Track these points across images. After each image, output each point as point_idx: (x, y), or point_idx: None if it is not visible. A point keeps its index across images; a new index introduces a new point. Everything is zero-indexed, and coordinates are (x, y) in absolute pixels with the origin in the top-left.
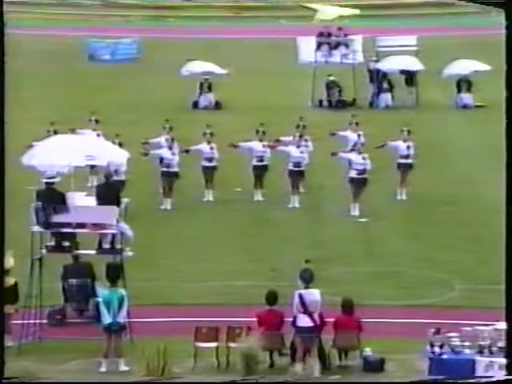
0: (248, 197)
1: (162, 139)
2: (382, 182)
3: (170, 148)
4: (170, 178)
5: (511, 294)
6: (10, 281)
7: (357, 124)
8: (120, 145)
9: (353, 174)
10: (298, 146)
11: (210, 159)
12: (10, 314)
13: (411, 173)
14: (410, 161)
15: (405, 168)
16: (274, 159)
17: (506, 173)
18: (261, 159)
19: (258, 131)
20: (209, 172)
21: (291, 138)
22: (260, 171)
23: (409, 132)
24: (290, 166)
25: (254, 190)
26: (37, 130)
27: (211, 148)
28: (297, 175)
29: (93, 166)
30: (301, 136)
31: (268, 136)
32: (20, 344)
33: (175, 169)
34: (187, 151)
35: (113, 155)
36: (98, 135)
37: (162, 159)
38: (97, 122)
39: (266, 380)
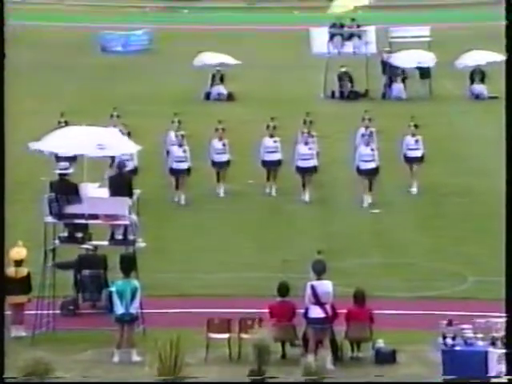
0: (260, 189)
1: (172, 135)
2: (394, 174)
3: (180, 145)
4: (180, 174)
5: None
6: (23, 271)
7: (370, 120)
8: (129, 134)
9: (362, 165)
10: (306, 143)
11: (222, 155)
12: (23, 304)
13: (422, 165)
14: (419, 154)
15: (414, 161)
16: (285, 153)
17: (506, 164)
18: (273, 154)
19: (268, 126)
20: (221, 167)
21: (299, 134)
22: (272, 166)
23: (416, 126)
24: (298, 163)
25: (266, 184)
26: (50, 121)
27: (223, 144)
28: (306, 171)
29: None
30: (308, 132)
31: (279, 129)
32: (33, 334)
33: (186, 165)
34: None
35: (124, 146)
36: (120, 131)
37: (170, 155)
38: (118, 117)
39: (276, 380)
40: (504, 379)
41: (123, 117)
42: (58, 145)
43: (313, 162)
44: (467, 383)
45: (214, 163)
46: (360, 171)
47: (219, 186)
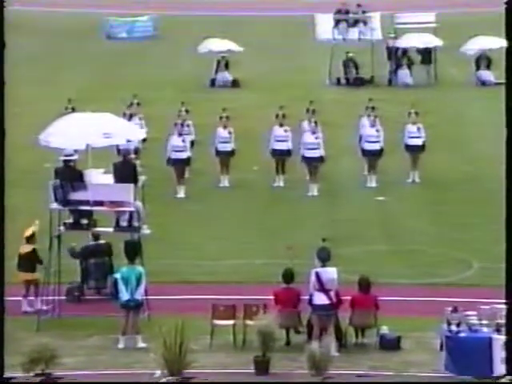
0: (266, 176)
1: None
2: (400, 162)
3: (180, 134)
4: (181, 164)
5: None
6: (28, 248)
7: (373, 108)
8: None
9: (366, 146)
10: (314, 133)
11: (226, 144)
12: (31, 281)
13: (424, 154)
14: (420, 142)
15: (416, 150)
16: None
17: (506, 151)
18: (282, 143)
19: (277, 115)
20: (225, 156)
21: (305, 123)
22: (281, 155)
23: (416, 113)
24: (305, 153)
25: (275, 177)
26: (55, 108)
27: (229, 133)
28: (313, 161)
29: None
30: (315, 122)
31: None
32: (39, 320)
33: (185, 155)
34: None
35: (130, 133)
36: (140, 119)
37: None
38: (138, 104)
39: (280, 380)
40: (505, 379)
41: (128, 103)
42: (64, 138)
43: (319, 152)
44: (470, 383)
45: (218, 152)
46: (364, 152)
47: (224, 176)
